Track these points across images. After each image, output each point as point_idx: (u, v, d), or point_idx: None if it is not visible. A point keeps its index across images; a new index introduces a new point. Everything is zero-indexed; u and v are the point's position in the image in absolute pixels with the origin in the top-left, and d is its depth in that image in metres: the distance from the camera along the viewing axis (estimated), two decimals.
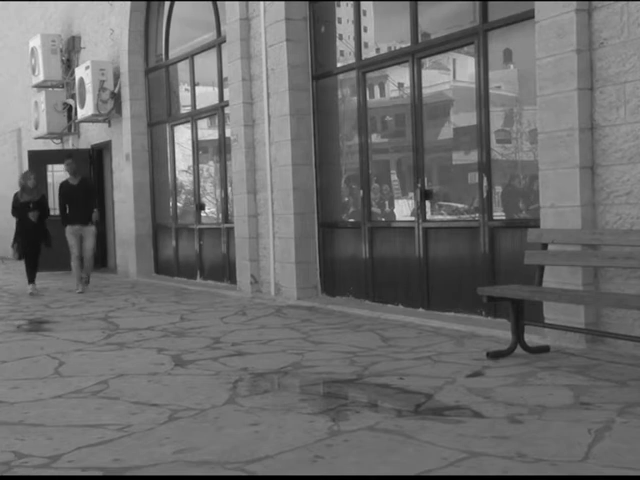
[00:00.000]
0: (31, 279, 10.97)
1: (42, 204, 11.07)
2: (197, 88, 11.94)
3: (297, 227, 8.98)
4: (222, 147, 11.04)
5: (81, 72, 13.51)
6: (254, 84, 9.67)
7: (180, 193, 12.71)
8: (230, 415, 4.22)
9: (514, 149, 7.03)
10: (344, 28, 8.93)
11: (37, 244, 10.97)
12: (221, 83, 10.97)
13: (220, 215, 11.35)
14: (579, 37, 5.65)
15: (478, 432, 3.75)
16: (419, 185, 7.70)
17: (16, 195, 11.14)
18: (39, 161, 14.56)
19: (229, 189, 10.83)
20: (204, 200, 11.94)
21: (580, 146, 5.70)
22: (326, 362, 5.57)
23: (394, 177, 8.52)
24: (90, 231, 11.10)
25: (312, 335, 6.74)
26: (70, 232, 11.07)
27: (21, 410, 4.46)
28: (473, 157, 7.22)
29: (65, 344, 6.66)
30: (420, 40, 7.73)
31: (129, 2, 12.69)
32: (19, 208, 10.97)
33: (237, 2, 9.69)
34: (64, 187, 11.28)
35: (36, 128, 15.24)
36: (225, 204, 11.06)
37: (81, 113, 13.71)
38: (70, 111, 14.73)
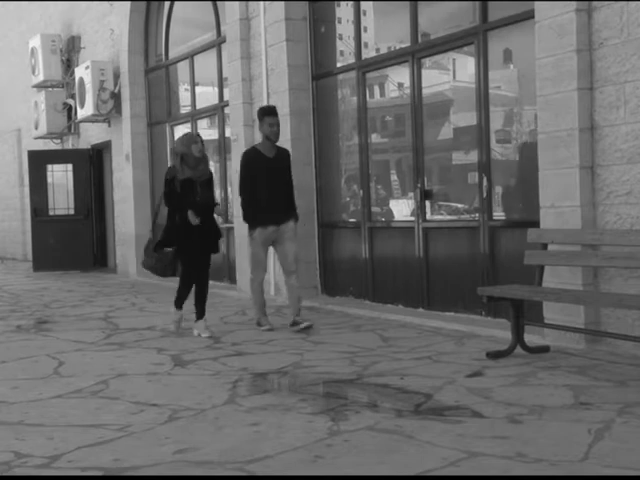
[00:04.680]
0: (181, 302, 7.09)
1: (211, 186, 7.08)
2: (197, 88, 11.94)
3: (297, 227, 8.96)
4: (222, 147, 11.04)
5: (81, 72, 13.50)
6: (254, 84, 9.67)
7: None
8: (230, 415, 4.22)
9: (514, 149, 7.03)
10: (344, 28, 8.93)
11: (210, 250, 7.00)
12: (221, 83, 10.97)
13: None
14: (579, 37, 5.65)
15: (478, 432, 3.75)
16: (419, 185, 7.70)
17: (172, 171, 6.86)
18: (39, 161, 14.58)
19: (229, 189, 10.82)
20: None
21: (580, 146, 5.70)
22: (326, 362, 5.57)
23: (394, 177, 8.52)
24: (291, 230, 7.15)
25: (312, 335, 6.74)
26: (260, 239, 7.05)
27: (21, 410, 4.46)
28: (473, 157, 7.22)
29: (65, 344, 6.66)
30: (420, 40, 7.73)
31: (129, 2, 12.68)
32: (181, 192, 6.72)
33: (237, 2, 9.69)
34: (254, 159, 7.09)
35: (36, 128, 15.23)
36: (225, 204, 11.06)
37: (81, 113, 13.70)
38: (70, 111, 14.73)
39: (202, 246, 6.83)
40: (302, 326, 6.93)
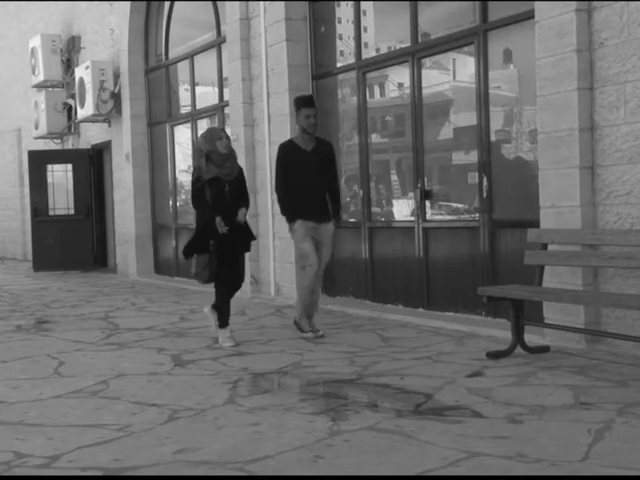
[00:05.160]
0: (226, 317, 6.49)
1: (243, 183, 6.57)
2: (197, 88, 11.94)
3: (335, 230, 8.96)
4: None
5: (81, 72, 13.50)
6: (254, 84, 9.67)
7: (180, 193, 12.70)
8: (230, 415, 4.22)
9: (514, 149, 7.03)
10: (344, 28, 8.93)
11: (242, 250, 6.61)
12: (221, 83, 10.97)
13: None
14: (579, 37, 5.65)
15: (478, 432, 3.75)
16: (419, 185, 7.70)
17: (197, 171, 6.40)
18: (39, 161, 14.58)
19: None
20: None
21: (580, 146, 5.70)
22: (326, 362, 5.57)
23: (394, 177, 8.52)
24: (330, 231, 6.72)
25: None
26: (303, 231, 6.55)
27: (21, 410, 4.46)
28: (473, 157, 7.22)
29: (65, 344, 6.65)
30: (420, 40, 7.73)
31: (129, 2, 12.68)
32: (210, 193, 6.29)
33: (237, 2, 9.69)
34: (289, 152, 6.68)
35: (36, 128, 15.23)
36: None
37: (81, 113, 13.70)
38: (70, 111, 14.73)
39: (234, 247, 6.40)
40: (303, 335, 6.63)
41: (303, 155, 6.55)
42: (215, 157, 6.26)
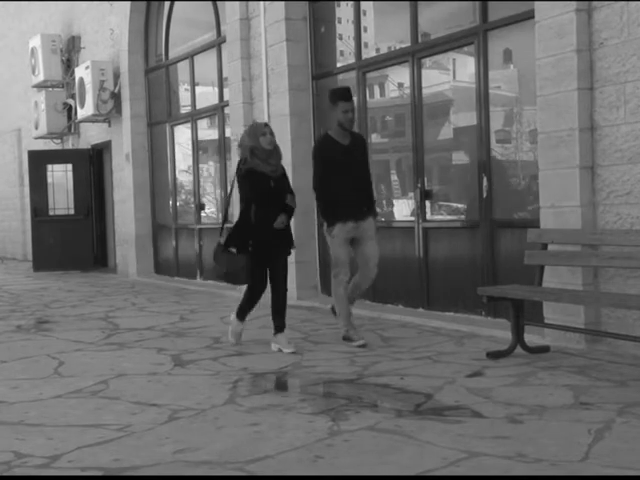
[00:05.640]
0: (245, 312, 6.36)
1: (287, 181, 6.30)
2: (197, 88, 11.94)
3: (297, 227, 8.97)
4: (222, 147, 11.04)
5: (81, 72, 13.51)
6: (254, 84, 9.67)
7: (180, 193, 12.71)
8: (230, 415, 4.22)
9: (514, 149, 7.03)
10: (344, 28, 8.93)
11: (286, 251, 6.23)
12: (221, 83, 10.97)
13: (220, 215, 11.35)
14: (579, 37, 5.65)
15: (478, 432, 3.75)
16: (419, 185, 7.70)
17: (247, 163, 6.07)
18: (39, 161, 14.58)
19: (229, 189, 10.80)
20: (204, 200, 11.94)
21: (580, 146, 5.70)
22: (326, 362, 5.57)
23: (394, 177, 8.52)
24: (371, 226, 6.31)
25: (312, 335, 6.74)
26: (342, 237, 6.20)
27: (21, 410, 4.46)
28: (473, 157, 7.22)
29: (65, 344, 6.65)
30: (420, 40, 7.73)
31: (129, 2, 12.68)
32: (254, 187, 6.02)
33: (237, 2, 9.69)
34: (327, 147, 6.27)
35: (36, 128, 15.24)
36: (225, 204, 11.04)
37: (81, 113, 13.71)
38: (70, 111, 14.73)
39: (277, 247, 6.08)
40: (355, 344, 6.12)
41: (341, 149, 6.20)
42: (259, 153, 6.01)
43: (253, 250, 5.98)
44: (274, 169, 6.05)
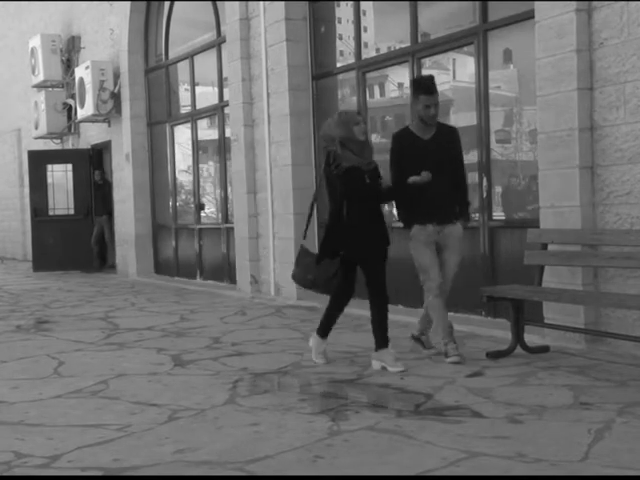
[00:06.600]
0: (328, 328, 5.67)
1: (379, 176, 5.45)
2: (197, 88, 11.94)
3: (297, 227, 8.97)
4: (222, 147, 11.04)
5: (81, 72, 13.51)
6: (254, 84, 9.66)
7: (180, 193, 12.71)
8: (230, 415, 4.22)
9: (514, 149, 7.03)
10: (344, 28, 8.93)
11: (383, 256, 5.57)
12: (221, 83, 10.97)
13: (220, 215, 11.35)
14: (579, 37, 5.65)
15: (478, 432, 3.75)
16: None
17: (336, 157, 5.30)
18: (39, 161, 14.57)
19: (229, 189, 10.82)
20: (204, 200, 11.94)
21: (580, 146, 5.70)
22: (326, 362, 5.56)
23: None
24: (457, 233, 5.62)
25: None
26: (422, 239, 5.57)
27: (21, 410, 4.45)
28: (473, 157, 7.22)
29: (65, 344, 6.65)
30: (420, 40, 7.73)
31: (129, 2, 12.68)
32: (348, 185, 5.26)
33: (237, 2, 9.69)
34: (404, 141, 5.60)
35: (36, 128, 15.24)
36: (225, 204, 11.06)
37: (81, 113, 13.71)
38: (70, 111, 14.73)
39: (374, 252, 5.40)
40: (449, 360, 5.40)
41: (421, 144, 5.50)
42: (352, 145, 5.23)
43: (346, 254, 5.35)
44: (368, 162, 5.30)
